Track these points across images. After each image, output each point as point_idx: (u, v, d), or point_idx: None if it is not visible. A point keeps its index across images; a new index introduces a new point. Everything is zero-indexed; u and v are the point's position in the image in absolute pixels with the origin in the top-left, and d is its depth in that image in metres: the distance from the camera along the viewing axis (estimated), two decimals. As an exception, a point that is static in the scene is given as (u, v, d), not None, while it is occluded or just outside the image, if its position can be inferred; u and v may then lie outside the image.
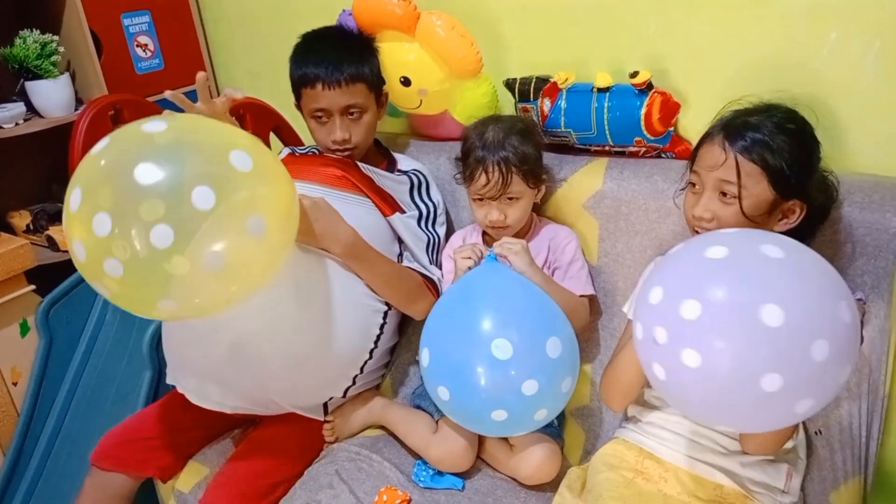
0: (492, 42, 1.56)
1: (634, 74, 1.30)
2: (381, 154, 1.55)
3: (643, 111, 1.31)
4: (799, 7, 1.22)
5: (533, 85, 1.43)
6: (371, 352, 1.37)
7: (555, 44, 1.52)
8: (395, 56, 1.50)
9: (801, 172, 1.05)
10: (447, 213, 1.55)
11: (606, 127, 1.36)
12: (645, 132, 1.33)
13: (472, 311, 1.14)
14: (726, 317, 0.79)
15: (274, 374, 1.26)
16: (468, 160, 1.33)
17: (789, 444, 1.13)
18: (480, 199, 1.33)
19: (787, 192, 1.05)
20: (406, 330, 1.55)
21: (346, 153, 1.41)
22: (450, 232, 1.54)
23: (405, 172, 1.48)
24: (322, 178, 1.38)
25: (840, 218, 1.17)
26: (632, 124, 1.33)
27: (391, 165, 1.51)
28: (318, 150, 1.50)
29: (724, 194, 1.06)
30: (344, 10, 1.58)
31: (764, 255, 0.82)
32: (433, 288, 1.39)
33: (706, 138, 1.10)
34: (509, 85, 1.48)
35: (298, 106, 1.44)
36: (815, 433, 1.18)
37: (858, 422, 1.18)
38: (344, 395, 1.40)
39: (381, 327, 1.38)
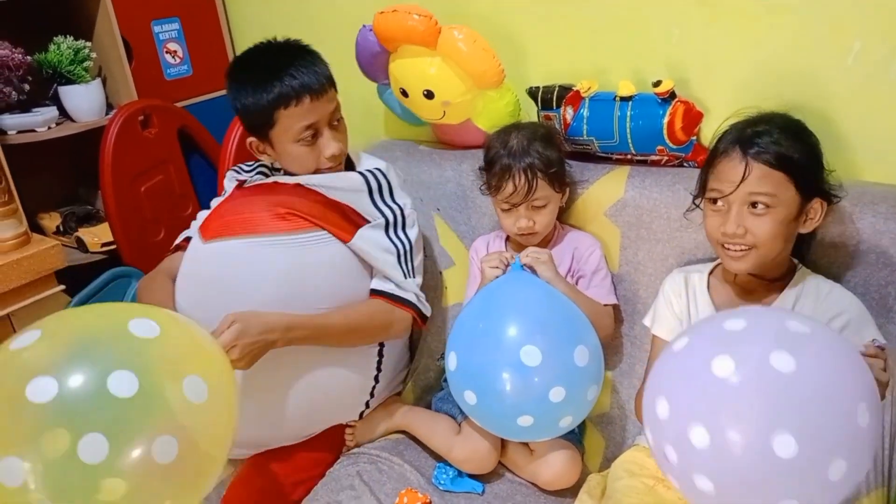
0: (513, 53, 1.57)
1: (658, 83, 1.31)
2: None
3: (666, 120, 1.32)
4: (820, 18, 1.23)
5: (556, 93, 1.45)
6: (376, 377, 1.39)
7: (576, 54, 1.53)
8: (417, 70, 1.52)
9: (816, 170, 1.08)
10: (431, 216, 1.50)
11: (629, 135, 1.37)
12: (668, 141, 1.34)
13: (500, 317, 1.16)
14: (737, 450, 0.76)
15: (277, 426, 1.29)
16: (493, 169, 1.34)
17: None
18: (508, 208, 1.34)
19: (810, 191, 1.07)
20: (425, 336, 1.56)
21: (336, 167, 1.32)
22: (462, 237, 1.54)
23: (361, 173, 1.34)
24: (270, 224, 1.24)
25: (864, 228, 1.17)
26: (654, 133, 1.34)
27: (349, 166, 1.39)
28: (265, 169, 1.41)
29: (755, 205, 1.06)
30: (364, 26, 1.59)
31: (774, 371, 0.76)
32: (405, 306, 1.33)
33: (721, 155, 1.10)
34: (532, 93, 1.50)
35: (265, 137, 1.29)
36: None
37: (882, 433, 1.17)
38: (360, 418, 1.42)
39: (380, 352, 1.38)
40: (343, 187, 1.31)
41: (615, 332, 1.40)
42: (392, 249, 1.33)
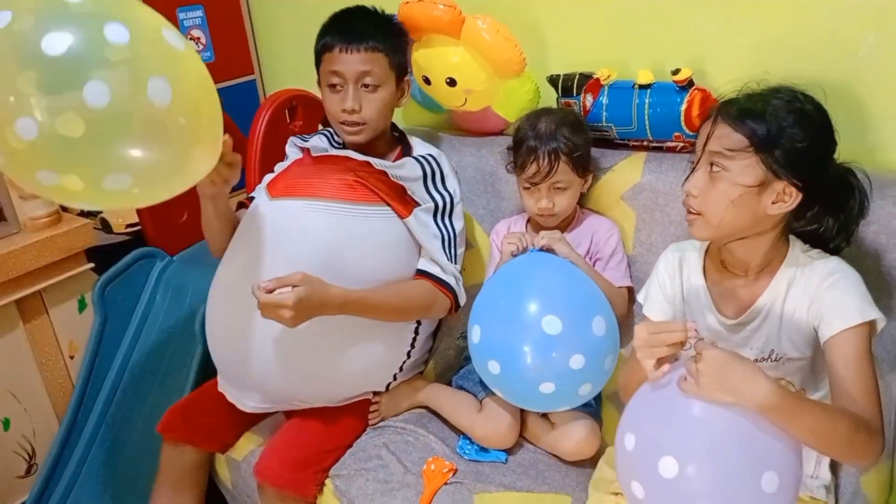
0: (534, 42, 1.62)
1: (676, 72, 1.35)
2: (396, 139, 1.51)
3: (683, 107, 1.36)
4: (840, 7, 1.28)
5: (576, 81, 1.50)
6: (409, 352, 1.44)
7: (595, 44, 1.58)
8: (440, 58, 1.56)
9: (798, 151, 0.97)
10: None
11: (647, 122, 1.42)
12: (684, 127, 1.39)
13: (522, 290, 1.21)
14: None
15: (314, 387, 1.34)
16: (520, 149, 1.39)
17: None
18: (529, 188, 1.39)
19: (779, 169, 0.98)
20: (446, 319, 1.60)
21: (355, 128, 1.37)
22: (480, 220, 1.60)
23: (417, 159, 1.41)
24: (335, 191, 1.33)
25: (876, 211, 1.19)
26: (672, 120, 1.39)
27: (407, 150, 1.47)
28: (328, 134, 1.49)
29: (713, 166, 1.01)
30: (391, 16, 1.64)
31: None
32: (447, 289, 1.39)
33: (707, 117, 1.06)
34: (553, 81, 1.55)
35: (320, 81, 1.41)
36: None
37: (888, 408, 1.22)
38: (386, 389, 1.47)
39: (416, 329, 1.44)
40: (405, 175, 1.37)
41: (628, 311, 1.45)
42: (438, 235, 1.39)
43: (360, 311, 1.26)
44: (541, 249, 1.33)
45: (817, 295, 1.03)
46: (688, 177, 1.06)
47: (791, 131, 0.98)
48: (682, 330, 0.91)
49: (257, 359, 1.28)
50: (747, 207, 1.00)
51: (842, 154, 1.07)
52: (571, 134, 1.36)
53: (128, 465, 1.71)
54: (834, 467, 1.20)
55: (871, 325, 0.99)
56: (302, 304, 1.13)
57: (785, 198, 1.00)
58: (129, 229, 1.91)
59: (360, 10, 1.42)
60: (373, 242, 1.33)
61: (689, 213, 1.06)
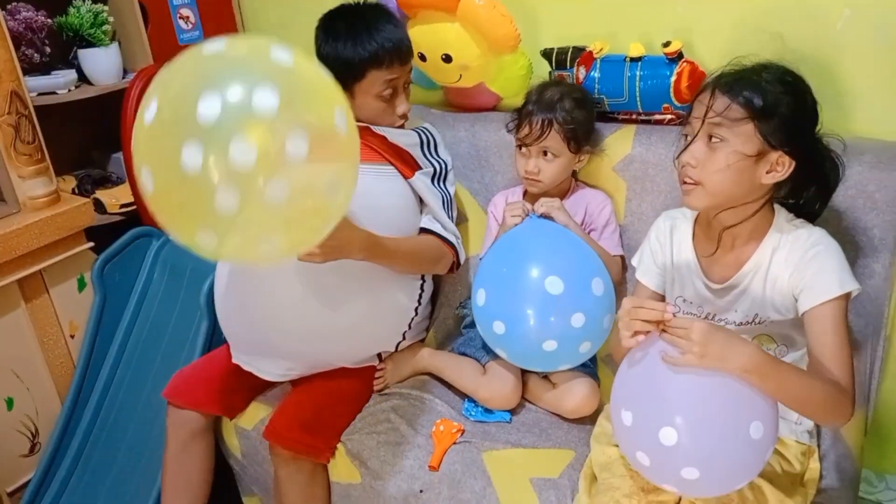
0: (528, 19, 1.66)
1: (667, 44, 1.41)
2: None
3: (673, 79, 1.43)
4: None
5: (569, 54, 1.55)
6: (416, 309, 1.50)
7: (586, 20, 1.63)
8: (436, 35, 1.60)
9: (791, 123, 1.03)
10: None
11: (637, 94, 1.48)
12: (673, 99, 1.45)
13: (525, 254, 1.27)
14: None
15: (332, 345, 1.39)
16: (522, 111, 1.47)
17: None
18: (521, 148, 1.46)
19: (775, 140, 1.03)
20: (444, 288, 1.66)
21: (403, 123, 1.47)
22: (475, 194, 1.66)
23: (414, 129, 1.51)
24: None
25: (853, 176, 1.28)
26: (662, 92, 1.45)
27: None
28: None
29: (711, 138, 1.05)
30: None
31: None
32: (450, 246, 1.47)
33: (702, 89, 1.09)
34: (546, 54, 1.60)
35: (348, 87, 1.38)
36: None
37: (863, 360, 1.31)
38: (396, 349, 1.52)
39: (422, 286, 1.50)
40: (402, 139, 1.46)
41: (621, 278, 1.52)
42: (438, 195, 1.48)
43: (379, 255, 1.32)
44: (540, 216, 1.38)
45: (799, 264, 1.09)
46: (684, 148, 1.09)
47: (785, 103, 1.03)
48: (660, 311, 0.97)
49: (277, 325, 1.33)
50: (744, 177, 1.05)
51: (820, 123, 1.13)
52: (572, 107, 1.42)
53: (131, 442, 1.74)
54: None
55: (848, 294, 1.07)
56: (330, 243, 1.16)
57: (778, 168, 1.05)
58: (123, 209, 1.92)
59: (374, 10, 1.43)
60: (380, 199, 1.39)
61: (686, 182, 1.09)
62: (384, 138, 1.44)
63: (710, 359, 0.93)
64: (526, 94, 1.50)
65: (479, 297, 1.30)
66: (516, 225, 1.40)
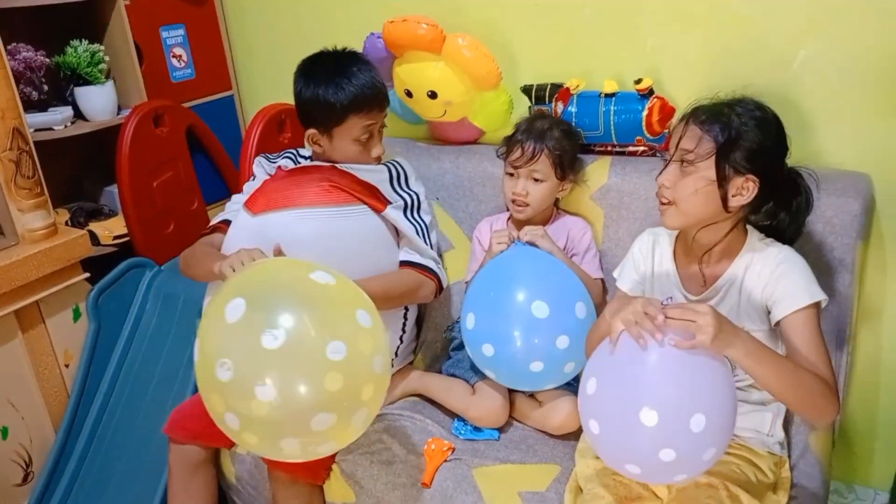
0: (508, 58, 1.76)
1: (639, 81, 1.52)
2: None
3: (645, 113, 1.53)
4: (776, 27, 1.46)
5: (548, 90, 1.65)
6: (401, 337, 1.56)
7: (563, 60, 1.73)
8: (422, 73, 1.70)
9: (756, 151, 1.13)
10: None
11: (612, 127, 1.58)
12: (645, 132, 1.55)
13: (512, 279, 1.35)
14: None
15: None
16: (512, 138, 1.55)
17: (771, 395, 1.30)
18: (512, 173, 1.54)
19: (739, 166, 1.12)
20: (430, 312, 1.73)
21: (377, 166, 1.53)
22: (460, 223, 1.73)
23: (383, 163, 1.56)
24: (315, 198, 1.43)
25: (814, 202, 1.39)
26: (634, 125, 1.55)
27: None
28: (292, 155, 1.61)
29: (683, 163, 1.15)
30: (372, 34, 1.75)
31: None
32: (430, 274, 1.53)
33: (681, 120, 1.20)
34: (526, 90, 1.70)
35: (326, 130, 1.47)
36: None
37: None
38: None
39: (405, 315, 1.57)
40: (371, 175, 1.52)
41: (602, 300, 1.60)
42: (411, 227, 1.53)
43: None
44: (525, 244, 1.46)
45: (770, 279, 1.18)
46: (660, 171, 1.21)
47: (751, 135, 1.13)
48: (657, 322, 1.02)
49: None
50: (712, 199, 1.15)
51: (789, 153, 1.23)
52: (561, 137, 1.52)
53: (124, 471, 1.75)
54: (786, 427, 1.36)
55: (818, 304, 1.17)
56: None
57: (743, 191, 1.15)
58: (116, 241, 1.97)
59: (353, 58, 1.49)
60: (355, 239, 1.45)
61: (662, 203, 1.20)
62: (353, 176, 1.49)
63: (720, 340, 0.99)
64: (516, 125, 1.58)
65: (469, 321, 1.37)
66: (502, 251, 1.47)
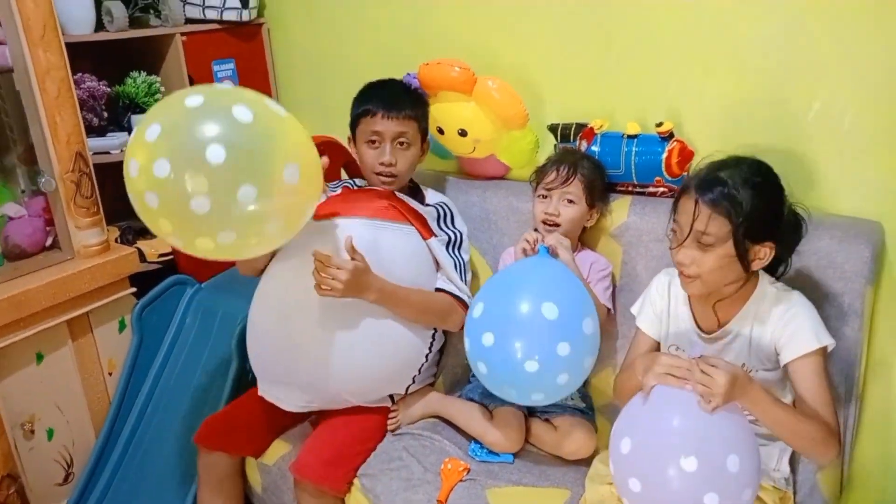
0: (535, 99, 1.85)
1: (660, 124, 1.59)
2: (413, 189, 1.77)
3: (665, 156, 1.60)
4: (791, 80, 1.53)
5: (573, 129, 1.73)
6: (426, 356, 1.64)
7: (588, 101, 1.81)
8: (454, 112, 1.80)
9: (766, 220, 1.21)
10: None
11: (633, 167, 1.65)
12: (665, 173, 1.62)
13: (527, 279, 1.37)
14: None
15: (349, 380, 1.52)
16: (545, 166, 1.65)
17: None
18: (544, 195, 1.62)
19: (755, 238, 1.20)
20: (452, 340, 1.80)
21: (390, 179, 1.63)
22: (483, 254, 1.81)
23: (432, 205, 1.71)
24: (374, 212, 1.59)
25: (823, 248, 1.42)
26: (654, 166, 1.62)
27: (420, 198, 1.73)
28: (350, 183, 1.76)
29: (701, 243, 1.22)
30: (408, 74, 1.86)
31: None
32: (463, 305, 1.61)
33: (684, 191, 1.26)
34: (552, 128, 1.78)
35: (353, 139, 1.68)
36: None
37: (838, 419, 1.41)
38: (406, 392, 1.65)
39: (433, 336, 1.65)
40: (422, 208, 1.66)
41: (613, 332, 1.65)
42: (451, 260, 1.64)
43: (392, 301, 1.49)
44: (547, 248, 1.48)
45: (779, 323, 1.26)
46: (678, 245, 1.25)
47: (759, 205, 1.19)
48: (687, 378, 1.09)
49: (306, 357, 1.47)
50: (734, 268, 1.23)
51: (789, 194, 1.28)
52: (591, 167, 1.61)
53: (157, 477, 1.86)
54: (792, 464, 1.40)
55: (825, 348, 1.23)
56: (355, 274, 1.38)
57: (761, 255, 1.23)
58: (162, 258, 2.09)
59: (395, 84, 1.69)
60: (401, 253, 1.57)
61: (684, 275, 1.26)
62: (405, 202, 1.63)
63: (731, 396, 1.06)
64: (548, 158, 1.68)
65: (476, 310, 1.36)
66: (524, 250, 1.51)
